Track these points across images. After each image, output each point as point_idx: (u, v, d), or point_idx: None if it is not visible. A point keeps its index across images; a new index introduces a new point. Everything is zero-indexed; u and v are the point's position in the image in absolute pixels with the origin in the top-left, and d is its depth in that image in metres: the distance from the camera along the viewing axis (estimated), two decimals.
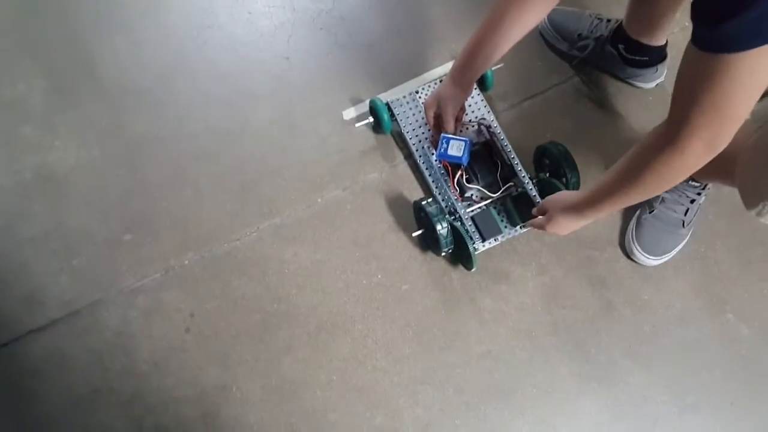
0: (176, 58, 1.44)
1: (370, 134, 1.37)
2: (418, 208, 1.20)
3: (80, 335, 1.21)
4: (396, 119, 1.30)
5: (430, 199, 1.18)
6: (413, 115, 1.30)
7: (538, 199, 1.17)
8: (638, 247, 1.24)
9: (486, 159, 1.24)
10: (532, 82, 1.41)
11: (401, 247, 1.28)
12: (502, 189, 1.21)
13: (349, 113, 1.39)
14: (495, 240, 1.20)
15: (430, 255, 1.28)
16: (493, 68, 1.31)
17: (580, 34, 1.37)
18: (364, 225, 1.30)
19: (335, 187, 1.33)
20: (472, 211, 1.21)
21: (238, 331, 1.22)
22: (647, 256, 1.24)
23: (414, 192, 1.32)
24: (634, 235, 1.26)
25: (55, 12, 1.48)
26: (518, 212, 1.21)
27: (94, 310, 1.23)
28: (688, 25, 0.64)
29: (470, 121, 1.28)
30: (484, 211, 1.21)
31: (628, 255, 1.27)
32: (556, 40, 1.43)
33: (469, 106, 1.30)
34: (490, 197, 1.21)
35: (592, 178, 1.32)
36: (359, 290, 1.25)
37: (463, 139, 1.17)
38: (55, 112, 1.38)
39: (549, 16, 1.42)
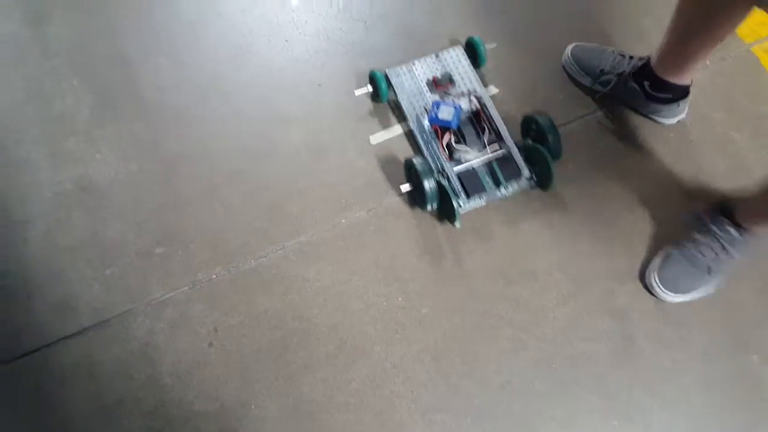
0: (214, 80, 1.50)
1: (395, 158, 1.40)
2: (408, 164, 1.26)
3: (109, 344, 1.25)
4: (393, 88, 1.36)
5: (419, 157, 1.23)
6: (408, 84, 1.36)
7: (522, 162, 1.22)
8: (657, 280, 1.24)
9: (475, 126, 1.30)
10: (556, 114, 1.43)
11: (422, 270, 1.30)
12: (489, 150, 1.27)
13: (377, 138, 1.43)
14: (480, 198, 1.25)
15: (453, 281, 1.29)
16: (488, 47, 1.39)
17: (602, 70, 1.39)
18: (386, 247, 1.32)
19: (359, 209, 1.36)
20: (459, 170, 1.25)
21: (259, 347, 1.24)
22: (665, 290, 1.24)
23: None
24: (657, 268, 1.25)
25: (104, 34, 1.56)
26: (503, 174, 1.24)
27: (123, 320, 1.27)
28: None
29: (462, 93, 1.33)
30: (470, 171, 1.26)
31: (647, 287, 1.27)
32: (580, 75, 1.45)
33: (462, 79, 1.35)
34: (477, 157, 1.26)
35: (612, 209, 1.32)
36: (379, 312, 1.27)
37: (454, 104, 1.25)
38: (98, 126, 1.45)
39: (572, 52, 1.45)
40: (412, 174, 1.26)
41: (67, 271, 1.31)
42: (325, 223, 1.35)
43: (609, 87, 1.38)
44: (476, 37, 1.39)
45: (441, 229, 1.33)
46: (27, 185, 1.39)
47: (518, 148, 1.25)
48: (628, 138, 1.42)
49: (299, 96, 1.48)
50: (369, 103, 1.46)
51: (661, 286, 1.24)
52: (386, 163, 1.40)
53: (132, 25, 1.58)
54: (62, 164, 1.41)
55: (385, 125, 1.44)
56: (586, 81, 1.44)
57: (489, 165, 1.27)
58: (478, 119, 1.30)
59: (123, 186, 1.39)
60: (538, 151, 1.22)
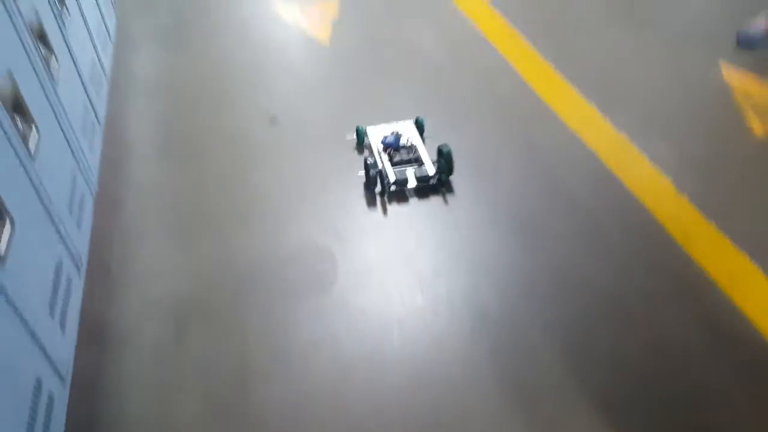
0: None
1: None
2: (365, 163, 1.94)
3: None
4: (367, 135, 2.13)
5: (371, 160, 1.95)
6: (375, 135, 2.11)
7: (433, 170, 1.94)
8: None
9: (408, 150, 2.07)
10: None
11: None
12: (413, 161, 2.03)
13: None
14: (404, 185, 1.94)
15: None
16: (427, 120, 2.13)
17: None
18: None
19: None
20: (397, 171, 1.98)
21: None
22: None
23: None
24: None
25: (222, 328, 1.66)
26: (418, 178, 1.94)
27: None
28: None
29: (407, 141, 2.09)
30: (401, 171, 1.98)
31: None
32: None
33: (408, 139, 2.10)
34: (407, 162, 2.03)
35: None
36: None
37: (395, 136, 2.07)
38: None
39: None
40: (366, 168, 1.95)
41: None
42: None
43: None
44: (420, 117, 2.17)
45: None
46: None
47: (431, 161, 2.01)
48: None
49: None
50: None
51: None
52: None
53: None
54: None
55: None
56: None
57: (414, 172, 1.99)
58: (409, 148, 2.09)
59: None
60: (442, 165, 1.96)
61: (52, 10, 1.76)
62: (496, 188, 1.94)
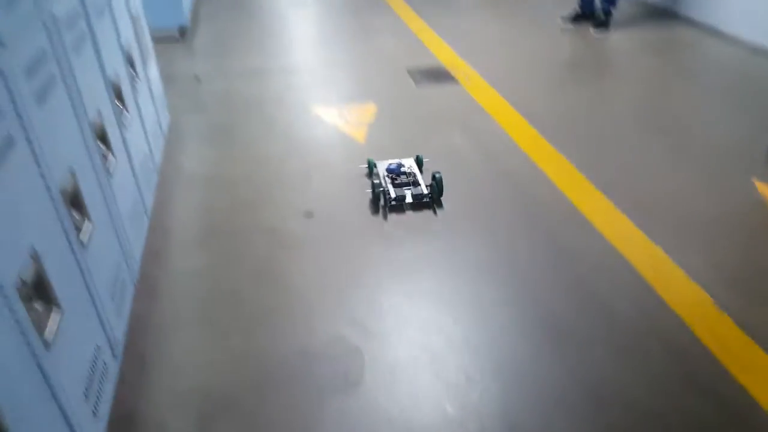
0: None
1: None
2: (373, 186, 2.41)
3: None
4: (376, 166, 2.58)
5: (377, 182, 2.41)
6: (383, 166, 2.58)
7: (426, 191, 2.42)
8: None
9: (408, 176, 2.54)
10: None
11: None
12: (412, 185, 2.48)
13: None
14: (402, 200, 2.39)
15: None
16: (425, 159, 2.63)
17: None
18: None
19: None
20: (397, 190, 2.45)
21: None
22: None
23: None
24: None
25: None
26: (414, 196, 2.41)
27: None
28: None
29: (408, 169, 2.58)
30: (401, 192, 2.43)
31: None
32: None
33: (409, 167, 2.59)
34: (406, 185, 2.48)
35: None
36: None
37: (397, 165, 2.57)
38: None
39: None
40: (373, 190, 2.42)
41: None
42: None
43: None
44: (420, 155, 2.66)
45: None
46: None
47: (425, 185, 2.48)
48: None
49: None
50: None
51: None
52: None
53: None
54: None
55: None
56: None
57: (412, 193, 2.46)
58: (409, 175, 2.55)
59: None
60: (434, 189, 2.41)
61: (113, 111, 1.92)
62: (525, 289, 1.95)
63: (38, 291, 1.15)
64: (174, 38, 4.17)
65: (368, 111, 3.14)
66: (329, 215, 2.35)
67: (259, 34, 4.37)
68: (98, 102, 1.75)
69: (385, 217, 2.30)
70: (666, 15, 4.41)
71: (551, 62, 3.75)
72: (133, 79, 2.24)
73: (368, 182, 2.50)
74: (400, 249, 2.15)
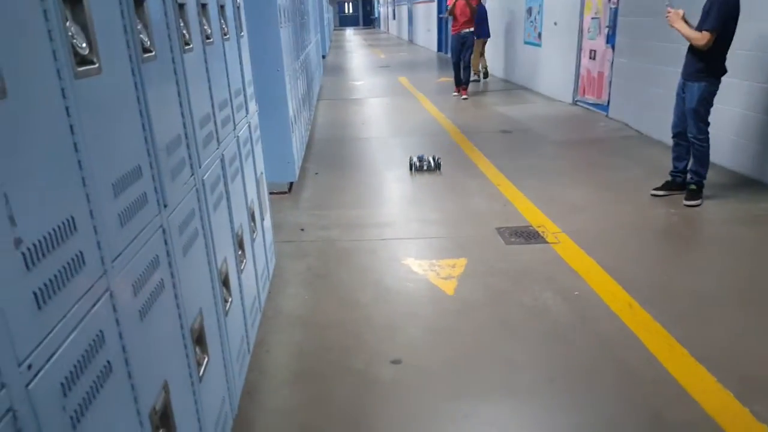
0: None
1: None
2: (411, 160, 5.24)
3: None
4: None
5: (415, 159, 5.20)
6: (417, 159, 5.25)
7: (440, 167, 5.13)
8: None
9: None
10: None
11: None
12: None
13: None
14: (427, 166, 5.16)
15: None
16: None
17: None
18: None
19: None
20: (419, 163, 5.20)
21: None
22: None
23: None
24: None
25: None
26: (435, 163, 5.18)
27: None
28: None
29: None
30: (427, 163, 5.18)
31: None
32: None
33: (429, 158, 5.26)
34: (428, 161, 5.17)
35: None
36: None
37: (422, 155, 5.20)
38: None
39: None
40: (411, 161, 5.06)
41: None
42: None
43: None
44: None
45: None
46: None
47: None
48: None
49: None
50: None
51: None
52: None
53: None
54: None
55: None
56: None
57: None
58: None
59: None
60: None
61: (235, 258, 2.18)
62: None
63: (162, 420, 1.29)
64: (284, 192, 4.67)
65: (458, 265, 3.29)
66: (416, 364, 2.41)
67: (358, 190, 4.80)
68: (225, 251, 2.02)
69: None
70: (756, 185, 4.42)
71: (642, 228, 3.81)
72: (252, 230, 2.55)
73: (450, 327, 2.56)
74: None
